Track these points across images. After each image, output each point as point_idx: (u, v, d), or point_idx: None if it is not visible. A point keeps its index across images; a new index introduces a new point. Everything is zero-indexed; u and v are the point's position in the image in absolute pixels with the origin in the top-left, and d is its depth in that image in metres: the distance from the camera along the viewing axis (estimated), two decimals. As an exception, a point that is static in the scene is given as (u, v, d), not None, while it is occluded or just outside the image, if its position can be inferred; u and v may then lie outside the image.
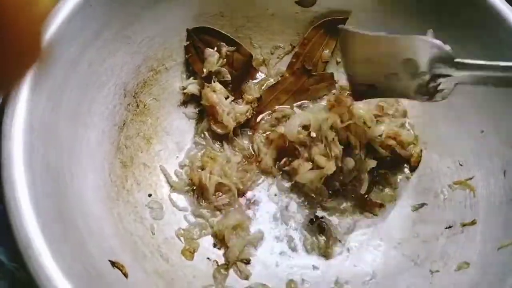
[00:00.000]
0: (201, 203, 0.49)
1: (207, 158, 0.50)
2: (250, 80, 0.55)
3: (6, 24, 0.20)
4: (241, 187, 0.49)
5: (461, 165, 0.47)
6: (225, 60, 0.52)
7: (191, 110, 0.54)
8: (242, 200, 0.50)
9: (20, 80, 0.34)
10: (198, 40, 0.52)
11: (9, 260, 0.44)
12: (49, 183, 0.35)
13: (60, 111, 0.39)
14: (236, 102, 0.54)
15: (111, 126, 0.46)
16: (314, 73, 0.55)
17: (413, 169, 0.51)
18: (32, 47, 0.23)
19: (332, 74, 0.55)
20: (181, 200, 0.49)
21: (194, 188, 0.49)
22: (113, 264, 0.37)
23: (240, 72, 0.54)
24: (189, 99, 0.54)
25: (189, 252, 0.45)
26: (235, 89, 0.54)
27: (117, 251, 0.39)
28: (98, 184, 0.42)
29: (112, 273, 0.37)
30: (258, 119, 0.54)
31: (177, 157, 0.52)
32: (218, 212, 0.49)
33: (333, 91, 0.55)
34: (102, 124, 0.45)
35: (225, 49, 0.52)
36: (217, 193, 0.49)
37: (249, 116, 0.53)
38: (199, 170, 0.49)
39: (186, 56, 0.52)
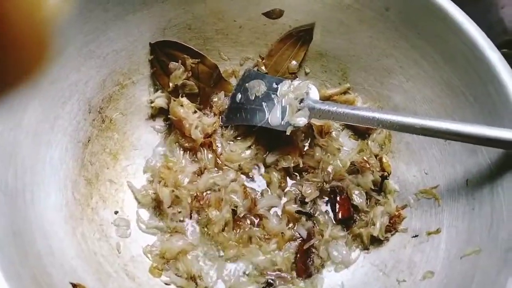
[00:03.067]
0: (159, 217, 0.48)
1: (164, 169, 0.49)
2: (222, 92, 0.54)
3: (8, 29, 0.19)
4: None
5: (426, 173, 0.47)
6: (190, 72, 0.52)
7: (160, 123, 0.53)
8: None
9: (22, 87, 0.33)
10: (162, 54, 0.51)
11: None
12: (5, 204, 0.35)
13: (21, 131, 0.38)
14: (205, 113, 0.53)
15: (75, 143, 0.45)
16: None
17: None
18: (36, 53, 0.22)
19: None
20: (149, 215, 0.48)
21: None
22: (74, 286, 0.36)
23: (209, 85, 0.53)
24: (157, 113, 0.53)
25: (157, 270, 0.44)
26: (204, 102, 0.54)
27: (80, 272, 0.38)
28: (61, 203, 0.41)
29: (73, 295, 0.36)
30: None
31: (145, 172, 0.51)
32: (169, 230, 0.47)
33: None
34: (66, 141, 0.44)
35: (189, 61, 0.51)
36: (173, 206, 0.48)
37: (217, 128, 0.53)
38: (158, 182, 0.48)
39: (151, 70, 0.52)
